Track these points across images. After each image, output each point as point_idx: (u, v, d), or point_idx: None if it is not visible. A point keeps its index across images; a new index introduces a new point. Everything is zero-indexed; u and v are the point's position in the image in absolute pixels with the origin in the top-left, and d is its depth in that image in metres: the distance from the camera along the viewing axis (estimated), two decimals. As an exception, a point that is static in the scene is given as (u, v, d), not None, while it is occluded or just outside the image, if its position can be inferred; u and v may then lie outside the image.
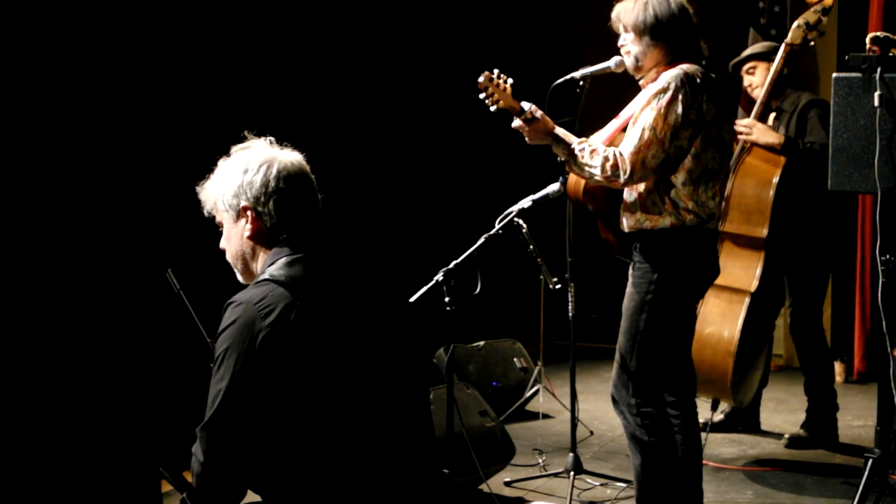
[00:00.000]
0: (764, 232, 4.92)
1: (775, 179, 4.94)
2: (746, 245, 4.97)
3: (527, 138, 3.84)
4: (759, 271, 4.94)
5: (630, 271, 3.90)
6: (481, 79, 3.75)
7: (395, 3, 8.43)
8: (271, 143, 2.69)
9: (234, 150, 2.67)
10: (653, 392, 3.88)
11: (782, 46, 5.16)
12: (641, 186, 3.78)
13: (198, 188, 2.71)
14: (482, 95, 3.77)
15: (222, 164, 2.66)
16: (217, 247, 2.74)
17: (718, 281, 4.80)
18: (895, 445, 4.05)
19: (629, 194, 3.84)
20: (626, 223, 3.88)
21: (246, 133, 2.73)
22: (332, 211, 2.73)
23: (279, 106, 7.01)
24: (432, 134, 8.52)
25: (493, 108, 3.79)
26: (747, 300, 4.88)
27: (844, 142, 3.95)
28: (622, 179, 3.71)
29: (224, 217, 2.67)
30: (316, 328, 2.47)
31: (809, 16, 5.19)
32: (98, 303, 5.47)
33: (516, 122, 3.82)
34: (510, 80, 3.78)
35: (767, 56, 5.23)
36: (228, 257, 2.70)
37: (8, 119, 5.28)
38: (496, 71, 3.77)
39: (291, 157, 2.65)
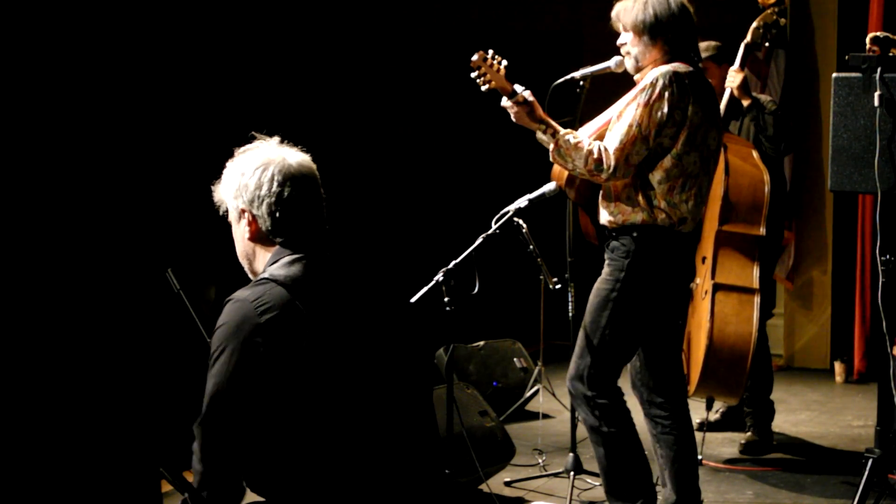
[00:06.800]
0: (762, 230, 4.93)
1: (766, 177, 4.96)
2: (744, 244, 4.98)
3: (513, 118, 3.87)
4: (756, 271, 4.94)
5: (604, 269, 3.92)
6: (475, 57, 3.79)
7: (395, 4, 8.43)
8: (280, 142, 2.68)
9: (239, 151, 2.67)
10: (608, 384, 3.89)
11: (742, 47, 5.22)
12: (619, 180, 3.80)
13: (213, 187, 2.71)
14: (473, 74, 3.81)
15: (229, 164, 2.67)
16: (217, 247, 2.75)
17: (723, 280, 4.83)
18: None
19: (606, 187, 3.87)
20: (601, 216, 3.92)
21: (254, 133, 2.72)
22: (332, 212, 2.73)
23: (279, 107, 7.01)
24: (431, 134, 8.52)
25: (484, 88, 3.83)
26: (757, 299, 4.89)
27: (844, 142, 3.95)
28: (604, 175, 3.73)
29: (230, 217, 2.68)
30: (313, 328, 2.47)
31: (767, 17, 5.26)
32: (98, 303, 5.47)
33: (506, 102, 3.84)
34: (504, 62, 3.80)
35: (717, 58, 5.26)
36: (238, 256, 2.72)
37: (8, 119, 5.28)
38: (490, 51, 3.80)
39: (294, 158, 2.62)
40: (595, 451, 3.96)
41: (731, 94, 5.14)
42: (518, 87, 3.82)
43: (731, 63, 5.22)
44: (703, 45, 5.06)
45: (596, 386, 3.86)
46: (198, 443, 2.47)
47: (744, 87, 5.14)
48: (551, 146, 3.81)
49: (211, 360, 2.48)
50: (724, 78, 5.16)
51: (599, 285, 3.89)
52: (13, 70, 5.31)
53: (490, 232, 4.02)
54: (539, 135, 3.84)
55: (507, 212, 4.12)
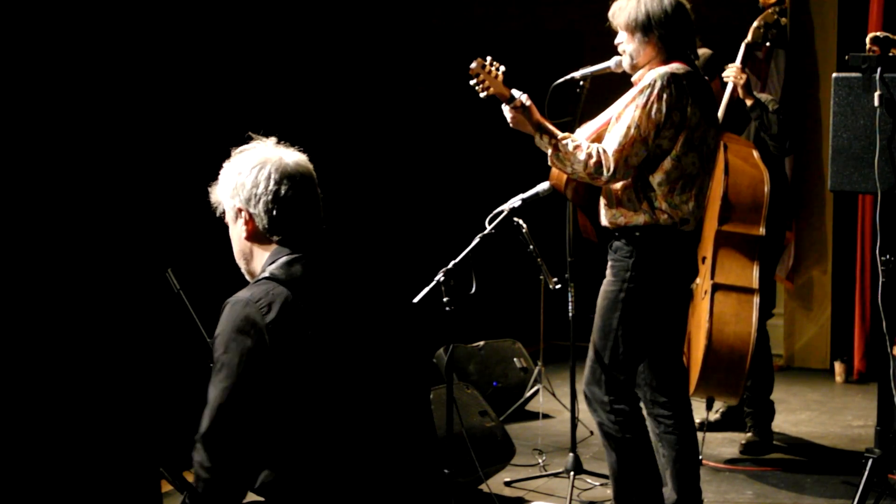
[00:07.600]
0: (761, 230, 4.93)
1: (766, 177, 4.96)
2: (744, 244, 4.98)
3: (510, 123, 3.88)
4: (756, 271, 4.95)
5: (607, 270, 3.92)
6: (473, 65, 3.80)
7: (395, 3, 8.43)
8: (276, 143, 2.68)
9: (236, 151, 2.67)
10: (625, 389, 3.89)
11: (742, 46, 5.22)
12: (620, 183, 3.79)
13: (210, 189, 2.71)
14: (472, 81, 3.82)
15: (225, 165, 2.67)
16: (217, 247, 2.75)
17: (723, 280, 4.83)
18: None
19: (607, 189, 3.87)
20: (603, 218, 3.91)
21: (251, 134, 2.73)
22: (331, 212, 2.73)
23: (279, 107, 7.01)
24: (432, 134, 8.52)
25: (482, 95, 3.84)
26: (756, 299, 4.89)
27: (844, 142, 3.95)
28: (605, 177, 3.73)
29: (227, 217, 2.68)
30: (316, 327, 2.47)
31: (768, 16, 5.27)
32: (98, 303, 5.47)
33: (504, 108, 3.85)
34: (502, 68, 3.81)
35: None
36: (235, 256, 2.71)
37: (9, 119, 5.28)
38: (489, 58, 3.81)
39: (291, 157, 2.63)
40: (607, 457, 3.96)
41: (732, 96, 5.13)
42: (516, 93, 3.82)
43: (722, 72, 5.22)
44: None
45: (613, 390, 3.86)
46: (204, 452, 2.44)
47: (747, 87, 5.14)
48: (549, 151, 3.80)
49: (215, 364, 2.46)
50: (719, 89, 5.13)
51: (606, 287, 3.89)
52: (13, 70, 5.32)
53: (486, 232, 4.03)
54: (537, 140, 3.84)
55: (501, 211, 4.13)
